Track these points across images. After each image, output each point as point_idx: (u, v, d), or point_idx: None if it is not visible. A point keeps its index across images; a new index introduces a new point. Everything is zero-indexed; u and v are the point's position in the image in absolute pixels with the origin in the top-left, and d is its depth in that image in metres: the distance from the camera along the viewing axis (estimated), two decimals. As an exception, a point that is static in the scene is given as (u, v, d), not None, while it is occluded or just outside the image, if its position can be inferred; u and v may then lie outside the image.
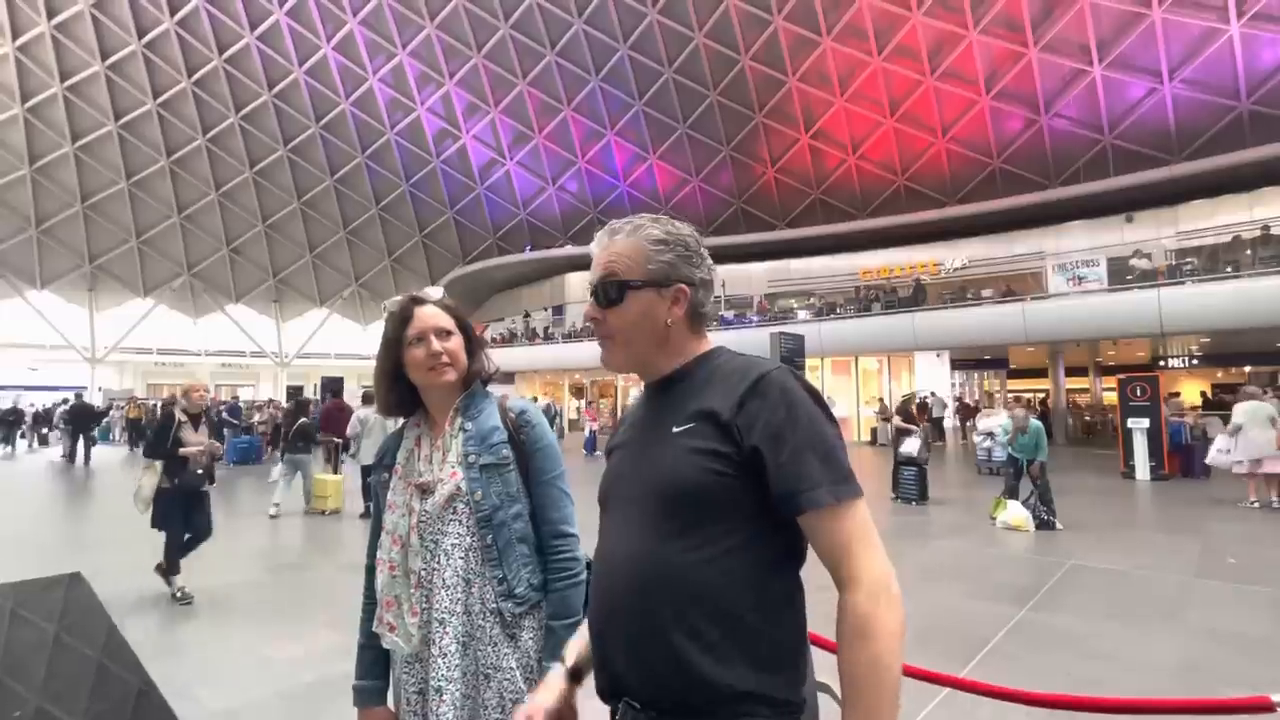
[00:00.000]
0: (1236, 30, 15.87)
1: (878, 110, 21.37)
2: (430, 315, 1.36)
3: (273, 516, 7.98)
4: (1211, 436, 10.64)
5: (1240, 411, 8.65)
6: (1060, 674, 3.41)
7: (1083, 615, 4.35)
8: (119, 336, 31.49)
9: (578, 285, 26.46)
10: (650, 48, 23.43)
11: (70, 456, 15.07)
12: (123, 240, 29.97)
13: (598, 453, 15.93)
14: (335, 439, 9.67)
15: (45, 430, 21.54)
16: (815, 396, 0.94)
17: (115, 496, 10.27)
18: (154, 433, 5.00)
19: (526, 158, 27.61)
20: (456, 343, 1.37)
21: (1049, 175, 19.21)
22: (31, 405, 22.64)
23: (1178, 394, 16.37)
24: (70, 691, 1.50)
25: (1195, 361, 20.14)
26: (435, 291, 1.45)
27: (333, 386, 15.69)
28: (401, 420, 1.45)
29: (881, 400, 18.73)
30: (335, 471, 9.59)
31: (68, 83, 26.54)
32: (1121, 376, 11.90)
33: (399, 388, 1.39)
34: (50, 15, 25.35)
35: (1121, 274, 15.16)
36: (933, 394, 18.29)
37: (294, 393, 30.56)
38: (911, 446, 8.79)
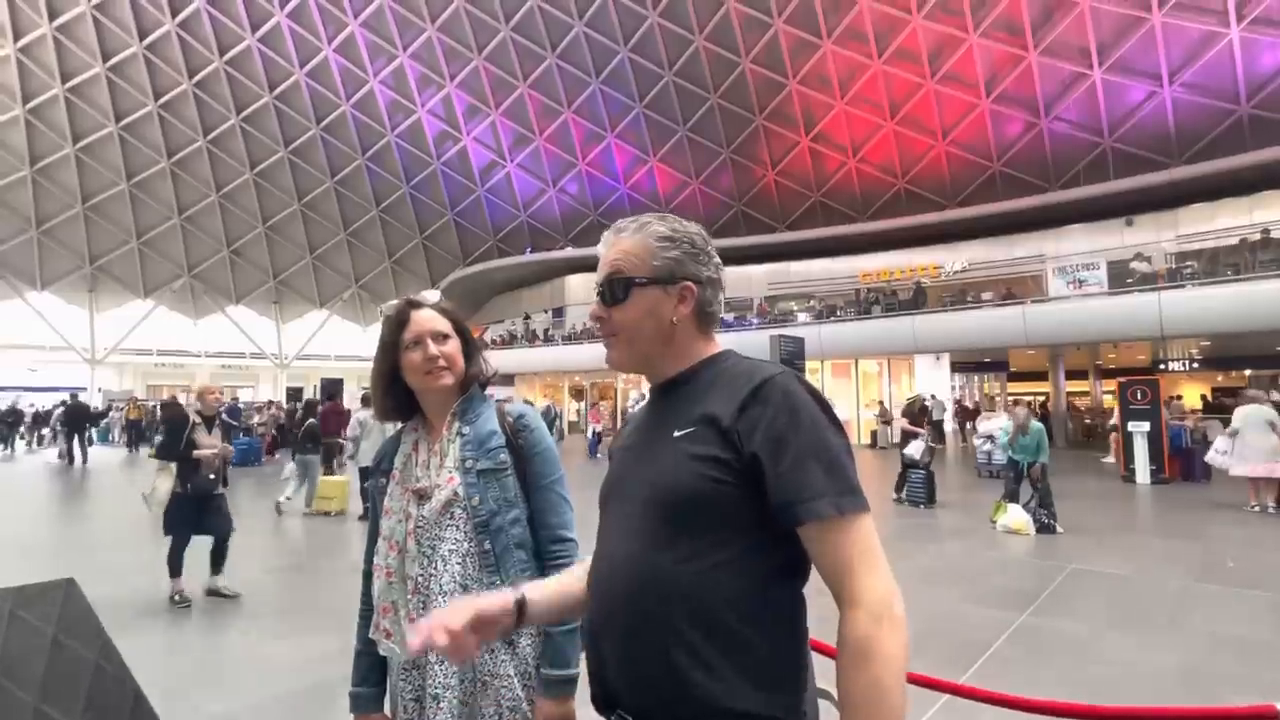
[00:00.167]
0: (1236, 34, 15.88)
1: (878, 113, 21.37)
2: (427, 319, 1.35)
3: (281, 506, 8.27)
4: (1212, 440, 10.63)
5: (1239, 415, 8.65)
6: (1061, 680, 3.39)
7: (1083, 620, 4.33)
8: (119, 338, 31.52)
9: (578, 287, 26.47)
10: (651, 50, 23.44)
11: (68, 458, 15.05)
12: (123, 241, 30.00)
13: (600, 455, 15.91)
14: (331, 441, 9.71)
15: (44, 431, 21.55)
16: (822, 403, 0.91)
17: (114, 497, 10.27)
18: (167, 434, 4.84)
19: (527, 160, 27.62)
20: (453, 346, 1.36)
21: (1049, 178, 19.20)
22: (31, 406, 22.64)
23: (1179, 397, 16.37)
24: (57, 701, 1.48)
25: (1195, 365, 20.13)
26: (432, 295, 1.45)
27: (330, 389, 15.69)
28: (400, 423, 1.44)
29: (881, 403, 18.72)
30: (330, 474, 9.63)
31: (69, 84, 26.57)
32: (1122, 380, 11.92)
33: (396, 392, 1.38)
34: (52, 16, 25.40)
35: (1122, 277, 15.16)
36: (933, 397, 18.28)
37: (294, 394, 30.71)
38: (914, 450, 8.79)
